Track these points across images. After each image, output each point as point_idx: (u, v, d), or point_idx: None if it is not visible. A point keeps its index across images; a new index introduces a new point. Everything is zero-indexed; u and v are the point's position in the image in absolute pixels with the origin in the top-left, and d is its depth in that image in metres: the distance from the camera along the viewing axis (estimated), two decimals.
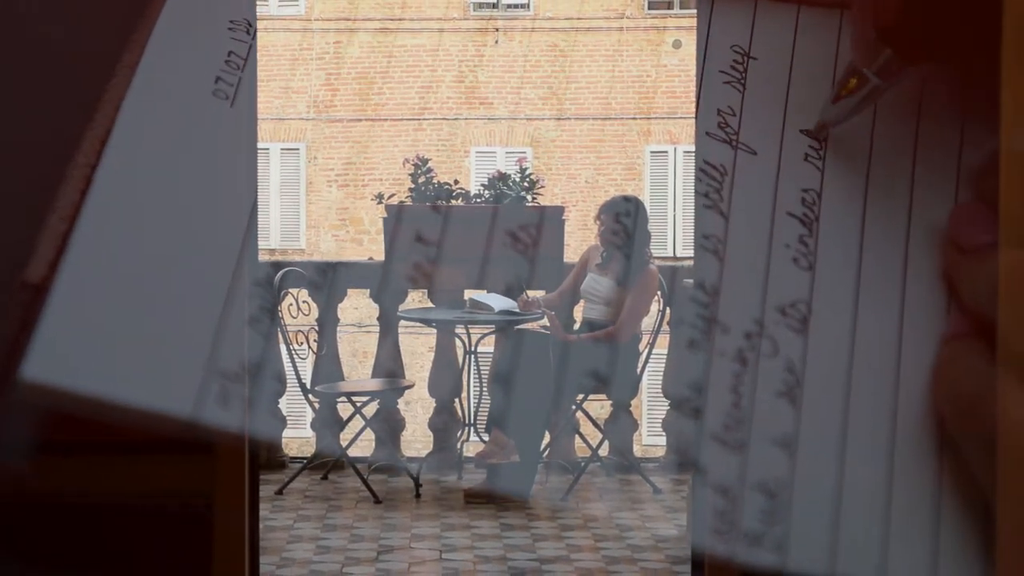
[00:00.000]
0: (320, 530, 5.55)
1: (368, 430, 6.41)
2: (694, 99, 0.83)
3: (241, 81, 0.86)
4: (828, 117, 0.83)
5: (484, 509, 5.83)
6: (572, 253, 7.40)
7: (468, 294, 6.62)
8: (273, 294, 5.91)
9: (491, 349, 6.38)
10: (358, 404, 6.24)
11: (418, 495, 6.10)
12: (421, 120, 17.50)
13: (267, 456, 6.37)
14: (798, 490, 0.75)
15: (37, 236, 0.82)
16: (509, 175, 7.25)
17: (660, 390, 6.84)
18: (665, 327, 6.21)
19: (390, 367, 6.62)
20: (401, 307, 6.81)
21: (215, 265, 0.82)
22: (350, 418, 6.32)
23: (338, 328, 6.66)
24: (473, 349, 6.54)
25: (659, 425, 6.90)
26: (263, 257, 14.02)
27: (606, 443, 6.50)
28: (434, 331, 6.82)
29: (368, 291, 6.78)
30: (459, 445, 6.52)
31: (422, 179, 7.10)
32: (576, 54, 17.46)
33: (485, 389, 6.48)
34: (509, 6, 17.71)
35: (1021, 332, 0.58)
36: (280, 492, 6.10)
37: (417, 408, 9.09)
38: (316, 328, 6.49)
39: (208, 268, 0.82)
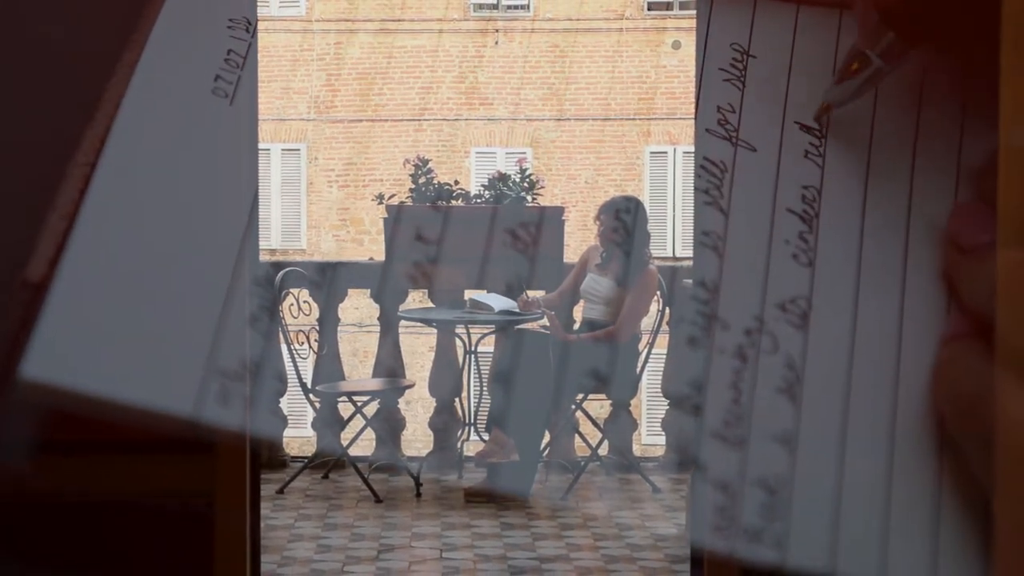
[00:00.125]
0: (321, 529, 5.55)
1: (369, 429, 6.41)
2: (693, 99, 0.83)
3: (241, 79, 0.86)
4: (831, 98, 0.82)
5: (484, 508, 5.83)
6: (572, 253, 7.40)
7: (468, 294, 6.62)
8: (274, 294, 5.91)
9: (491, 349, 6.38)
10: (359, 403, 6.25)
11: (418, 494, 6.11)
12: (421, 121, 17.50)
13: (268, 455, 6.37)
14: (798, 486, 0.75)
15: (37, 235, 0.82)
16: (509, 175, 7.26)
17: (659, 390, 6.84)
18: (664, 327, 6.21)
19: (391, 367, 6.62)
20: (401, 307, 6.82)
21: (215, 263, 0.82)
22: (351, 417, 6.32)
23: (339, 328, 6.66)
24: (473, 349, 6.54)
25: (658, 425, 6.90)
26: (264, 257, 14.03)
27: (606, 442, 6.50)
28: (434, 331, 6.82)
29: (369, 291, 6.78)
30: (459, 444, 6.52)
31: (422, 179, 7.10)
32: (576, 55, 17.46)
33: (485, 389, 6.49)
34: (509, 7, 17.71)
35: (1020, 331, 0.58)
36: (281, 491, 6.10)
37: (417, 408, 9.10)
38: (317, 328, 6.49)
39: (208, 266, 0.82)
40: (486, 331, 6.53)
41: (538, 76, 17.53)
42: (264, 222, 16.69)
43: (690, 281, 0.90)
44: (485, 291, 6.53)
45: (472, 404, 6.72)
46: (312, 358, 6.48)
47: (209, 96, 0.85)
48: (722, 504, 0.73)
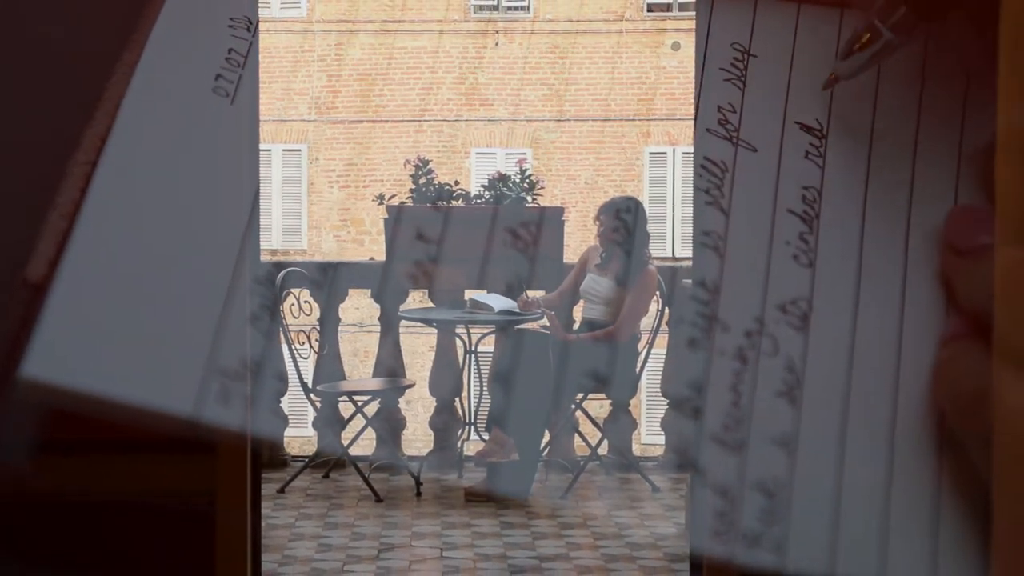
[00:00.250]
0: (321, 528, 5.55)
1: (369, 429, 6.41)
2: (693, 100, 0.83)
3: (242, 79, 0.86)
4: (839, 71, 0.82)
5: (484, 507, 5.83)
6: (572, 253, 7.40)
7: (468, 294, 6.63)
8: (275, 294, 5.91)
9: (491, 349, 6.39)
10: (359, 403, 6.25)
11: (419, 493, 6.11)
12: (422, 121, 17.50)
13: (269, 455, 6.37)
14: (798, 490, 0.75)
15: (37, 235, 0.82)
16: (509, 176, 7.26)
17: (659, 389, 6.85)
18: (664, 327, 6.21)
19: (391, 366, 6.63)
20: (402, 307, 6.82)
21: (216, 263, 0.82)
22: (351, 417, 6.32)
23: (339, 328, 6.66)
24: (473, 349, 6.55)
25: (658, 424, 6.90)
26: (265, 257, 14.03)
27: (605, 442, 6.51)
28: (435, 331, 6.82)
29: (369, 291, 6.79)
30: (459, 444, 6.52)
31: (423, 180, 7.11)
32: (576, 56, 17.47)
33: (485, 388, 6.49)
34: (509, 8, 17.71)
35: (1017, 325, 0.58)
36: (282, 490, 6.11)
37: (418, 407, 9.10)
38: (318, 328, 6.50)
39: (209, 266, 0.82)
40: (486, 331, 6.54)
41: (538, 77, 17.54)
42: (265, 222, 16.70)
43: (689, 281, 0.89)
44: (485, 291, 6.54)
45: (472, 404, 6.72)
46: (313, 358, 6.48)
47: (210, 95, 0.85)
48: (721, 509, 0.72)
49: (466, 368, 6.61)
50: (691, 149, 0.84)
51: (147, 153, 0.82)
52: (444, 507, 5.91)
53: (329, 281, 6.62)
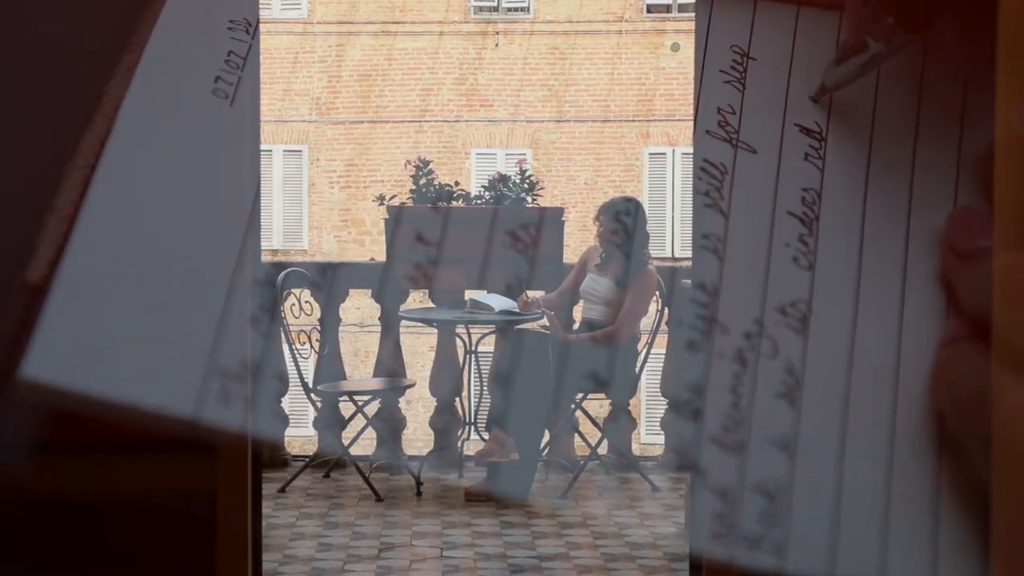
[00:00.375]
0: (322, 528, 5.56)
1: (370, 429, 6.41)
2: (692, 101, 0.83)
3: (241, 80, 0.86)
4: (829, 80, 0.82)
5: (484, 507, 5.83)
6: (571, 254, 7.40)
7: (468, 294, 6.63)
8: (276, 294, 5.91)
9: (491, 349, 6.39)
10: (360, 403, 6.25)
11: (419, 493, 6.11)
12: (422, 122, 17.50)
13: (269, 455, 6.37)
14: (797, 492, 0.75)
15: (37, 236, 0.82)
16: (509, 176, 7.26)
17: (659, 389, 6.85)
18: (663, 327, 6.21)
19: (391, 366, 6.63)
20: (402, 307, 6.82)
21: (216, 264, 0.82)
22: (352, 417, 6.32)
23: (340, 328, 6.66)
24: (473, 349, 6.55)
25: (657, 424, 6.90)
26: (266, 258, 14.03)
27: (605, 442, 6.50)
28: (435, 331, 6.82)
29: (369, 291, 6.79)
30: (459, 444, 6.52)
31: (423, 180, 7.10)
32: (575, 57, 17.46)
33: (485, 388, 6.49)
34: (509, 9, 17.71)
35: (1016, 328, 0.58)
36: (282, 490, 6.11)
37: (418, 407, 9.10)
38: (318, 328, 6.50)
39: (209, 267, 0.82)
40: (486, 331, 6.54)
41: (538, 78, 17.53)
42: (266, 222, 16.70)
43: (689, 282, 0.89)
44: (485, 291, 6.54)
45: (472, 404, 6.72)
46: (313, 358, 6.48)
47: (209, 97, 0.85)
48: (721, 511, 0.72)
49: (466, 368, 6.61)
50: (690, 150, 0.84)
51: (147, 154, 0.82)
52: (444, 507, 5.91)
53: (329, 281, 6.62)
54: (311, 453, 6.63)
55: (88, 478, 1.90)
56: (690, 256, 0.82)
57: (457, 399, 6.67)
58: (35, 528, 1.90)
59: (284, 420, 6.56)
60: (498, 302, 6.31)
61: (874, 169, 0.81)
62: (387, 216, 7.37)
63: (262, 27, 0.93)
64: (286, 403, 6.46)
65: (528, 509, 5.87)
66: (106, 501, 1.90)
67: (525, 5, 17.73)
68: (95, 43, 1.19)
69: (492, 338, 6.43)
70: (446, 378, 6.67)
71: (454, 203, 7.16)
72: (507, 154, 16.67)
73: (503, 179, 7.22)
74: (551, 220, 7.09)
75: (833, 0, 0.84)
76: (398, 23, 17.46)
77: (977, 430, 0.69)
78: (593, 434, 6.47)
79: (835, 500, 0.74)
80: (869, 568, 0.73)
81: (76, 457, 1.84)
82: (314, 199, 17.61)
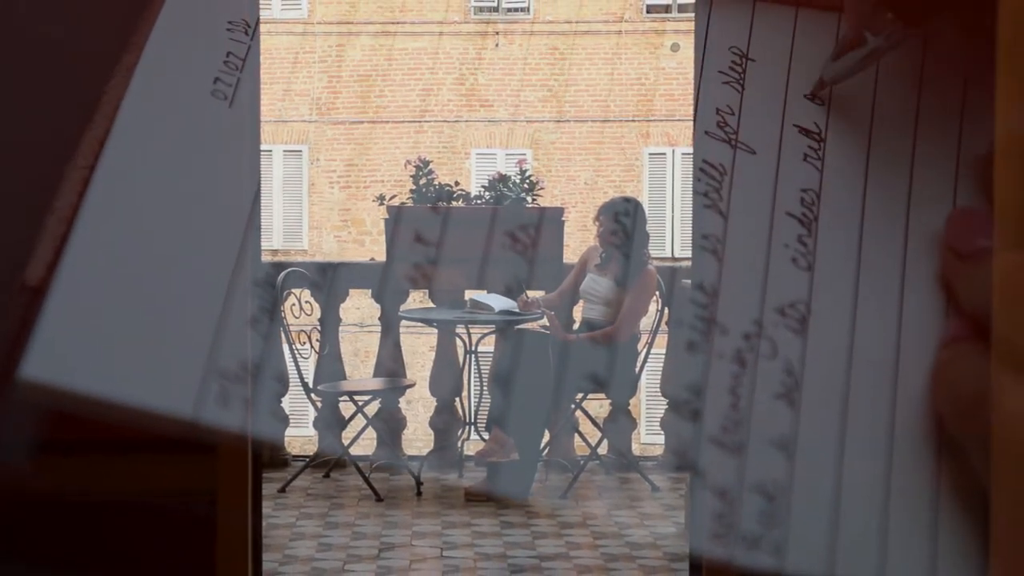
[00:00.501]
0: (322, 528, 5.56)
1: (370, 429, 6.41)
2: (692, 101, 0.83)
3: (240, 81, 0.86)
4: (828, 74, 0.82)
5: (484, 507, 5.83)
6: (571, 254, 7.40)
7: (468, 294, 6.63)
8: (276, 294, 5.91)
9: (491, 349, 6.39)
10: (360, 403, 6.25)
11: (419, 493, 6.11)
12: (422, 122, 17.50)
13: (270, 455, 6.38)
14: (797, 493, 0.75)
15: (37, 236, 0.82)
16: (509, 177, 7.26)
17: (658, 389, 6.85)
18: (663, 327, 6.22)
19: (391, 366, 6.63)
20: (402, 307, 6.82)
21: (216, 264, 0.82)
22: (352, 417, 6.32)
23: (340, 328, 6.66)
24: (473, 349, 6.55)
25: (657, 424, 6.91)
26: (266, 258, 14.03)
27: (605, 442, 6.51)
28: (435, 331, 6.83)
29: (369, 291, 6.79)
30: (459, 444, 6.53)
31: (423, 181, 7.11)
32: (575, 57, 17.46)
33: (485, 388, 6.49)
34: (509, 9, 17.71)
35: (1016, 328, 0.58)
36: (283, 490, 6.11)
37: (418, 407, 9.10)
38: (318, 328, 6.50)
39: (209, 267, 0.82)
40: (486, 331, 6.54)
41: (538, 78, 17.54)
42: (266, 223, 16.70)
43: (688, 282, 0.89)
44: (485, 291, 6.54)
45: (472, 404, 6.72)
46: (313, 358, 6.48)
47: (208, 98, 0.85)
48: (721, 511, 0.72)
49: (466, 368, 6.61)
50: (690, 150, 0.84)
51: (146, 155, 0.82)
52: (444, 507, 5.91)
53: (329, 281, 6.62)
54: (311, 453, 6.63)
55: (88, 478, 1.90)
56: (690, 256, 0.82)
57: (457, 399, 6.68)
58: (35, 528, 1.90)
59: (284, 420, 6.57)
60: (498, 302, 6.32)
61: (873, 167, 0.81)
62: (387, 216, 7.38)
63: (262, 27, 0.93)
64: (286, 403, 6.46)
65: (528, 509, 5.87)
66: (106, 501, 1.90)
67: (525, 5, 17.73)
68: (95, 43, 1.19)
69: (492, 338, 6.43)
70: (446, 378, 6.67)
71: (454, 203, 7.17)
72: (507, 154, 16.68)
73: (503, 179, 7.22)
74: (551, 220, 7.09)
75: (832, 1, 0.84)
76: (398, 23, 17.47)
77: (977, 430, 0.69)
78: (593, 434, 6.47)
79: (834, 500, 0.74)
80: (868, 568, 0.73)
81: (76, 457, 1.84)
82: (314, 199, 17.61)
